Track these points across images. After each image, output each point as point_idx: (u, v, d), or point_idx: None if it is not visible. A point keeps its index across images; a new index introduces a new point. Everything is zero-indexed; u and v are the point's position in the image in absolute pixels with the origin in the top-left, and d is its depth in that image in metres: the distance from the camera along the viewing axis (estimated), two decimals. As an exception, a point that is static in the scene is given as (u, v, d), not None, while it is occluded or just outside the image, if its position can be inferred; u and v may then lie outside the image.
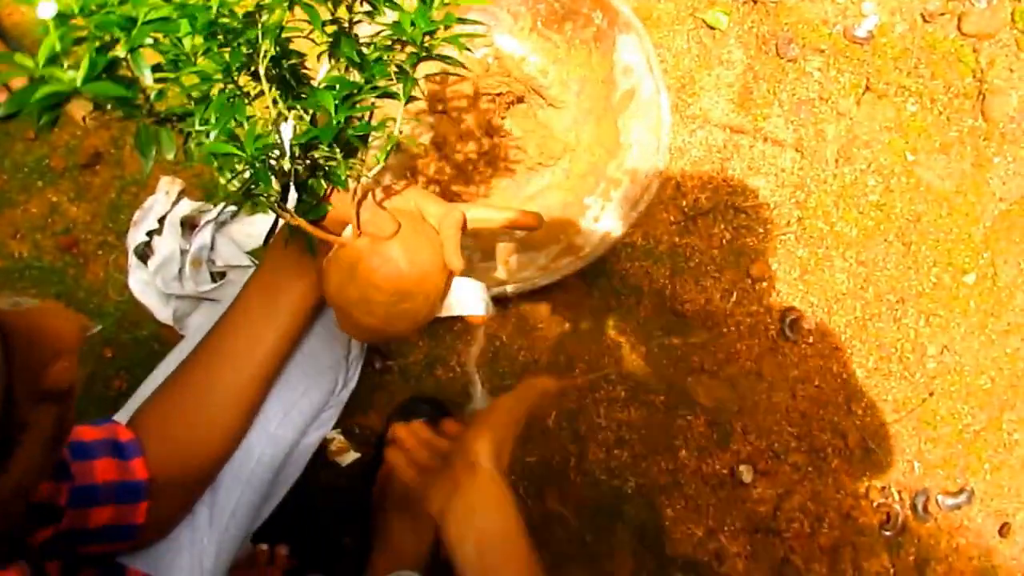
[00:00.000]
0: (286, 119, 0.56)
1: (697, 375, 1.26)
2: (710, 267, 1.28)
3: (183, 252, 1.23)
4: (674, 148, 1.31)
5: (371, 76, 0.56)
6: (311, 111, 0.57)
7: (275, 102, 0.55)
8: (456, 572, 0.67)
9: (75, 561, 0.61)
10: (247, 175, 0.54)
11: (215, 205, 1.26)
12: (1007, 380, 1.23)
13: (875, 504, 1.22)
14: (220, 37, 0.49)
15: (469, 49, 0.58)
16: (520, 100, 1.27)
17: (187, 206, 1.26)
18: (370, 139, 0.60)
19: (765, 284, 1.27)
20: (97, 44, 0.44)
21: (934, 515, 1.22)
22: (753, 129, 1.30)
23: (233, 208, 1.25)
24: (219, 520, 0.75)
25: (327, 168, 0.59)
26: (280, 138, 0.55)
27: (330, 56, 0.58)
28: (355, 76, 0.57)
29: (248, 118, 0.53)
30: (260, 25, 0.50)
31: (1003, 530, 1.21)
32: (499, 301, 1.22)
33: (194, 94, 0.52)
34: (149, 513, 0.65)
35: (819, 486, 1.23)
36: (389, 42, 0.57)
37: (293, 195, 0.61)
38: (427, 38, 0.55)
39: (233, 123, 0.52)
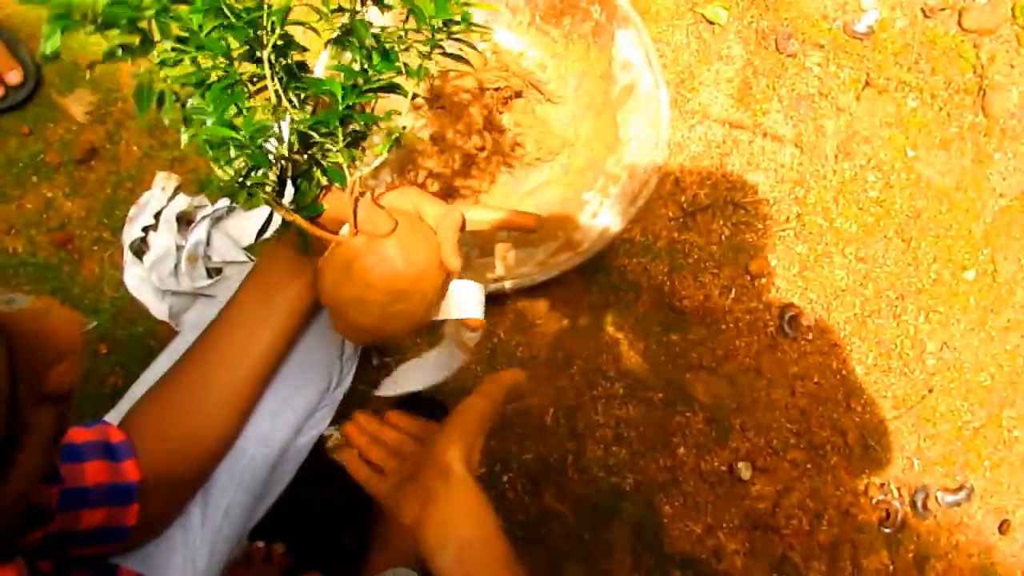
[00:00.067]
0: (286, 111, 0.55)
1: (696, 372, 1.26)
2: (709, 263, 1.27)
3: (179, 248, 1.22)
4: (673, 143, 1.30)
5: (378, 67, 0.56)
6: (312, 104, 0.56)
7: (277, 95, 0.55)
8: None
9: (67, 561, 0.60)
10: (242, 163, 0.53)
11: (207, 196, 1.26)
12: (1007, 377, 1.23)
13: (874, 501, 1.22)
14: (226, 17, 0.48)
15: (472, 46, 0.58)
16: (518, 95, 1.26)
17: (183, 201, 1.25)
18: (371, 133, 0.60)
19: (764, 280, 1.26)
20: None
21: (933, 512, 1.21)
22: (752, 124, 1.29)
23: (229, 203, 1.24)
24: (212, 520, 0.74)
25: (325, 163, 0.58)
26: (279, 127, 0.54)
27: (336, 43, 0.57)
28: (357, 66, 0.57)
29: (250, 108, 0.52)
30: (267, 8, 0.50)
31: (1003, 527, 1.21)
32: (497, 297, 1.21)
33: (191, 80, 0.51)
34: (141, 515, 0.64)
35: (818, 483, 1.22)
36: (401, 33, 0.56)
37: (290, 192, 0.61)
38: (439, 33, 0.55)
39: (232, 111, 0.52)
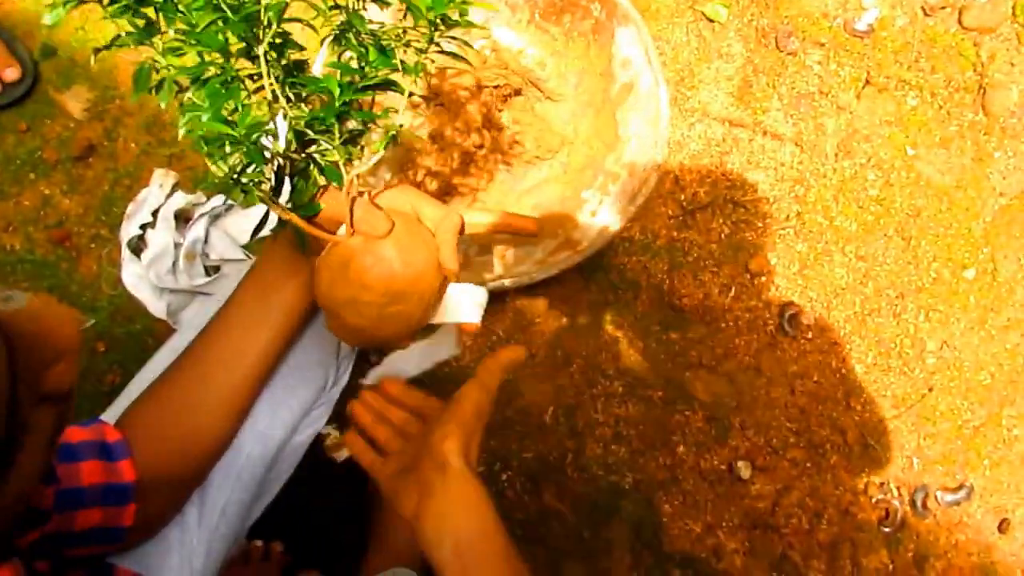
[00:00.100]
0: (282, 108, 0.55)
1: (695, 370, 1.25)
2: (708, 262, 1.27)
3: (177, 245, 1.22)
4: (673, 142, 1.30)
5: (375, 64, 0.55)
6: (309, 101, 0.56)
7: (273, 92, 0.54)
8: (437, 572, 0.65)
9: (63, 561, 0.60)
10: (237, 160, 0.53)
11: (202, 191, 1.25)
12: (1007, 376, 1.23)
13: (874, 500, 1.22)
14: (223, 12, 0.48)
15: (468, 44, 0.57)
16: (518, 93, 1.26)
17: (181, 199, 1.25)
18: (368, 131, 0.59)
19: (764, 279, 1.26)
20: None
21: (933, 511, 1.21)
22: (752, 123, 1.29)
23: (226, 200, 1.23)
24: (209, 519, 0.74)
25: (322, 161, 0.58)
26: (275, 124, 0.54)
27: (335, 41, 0.57)
28: (355, 63, 0.56)
29: (244, 105, 0.52)
30: (263, 4, 0.49)
31: (1002, 526, 1.21)
32: (496, 295, 1.21)
33: (183, 79, 0.51)
34: (137, 515, 0.64)
35: (818, 482, 1.22)
36: (399, 31, 0.56)
37: (287, 191, 0.60)
38: (436, 31, 0.54)
39: (230, 106, 0.51)
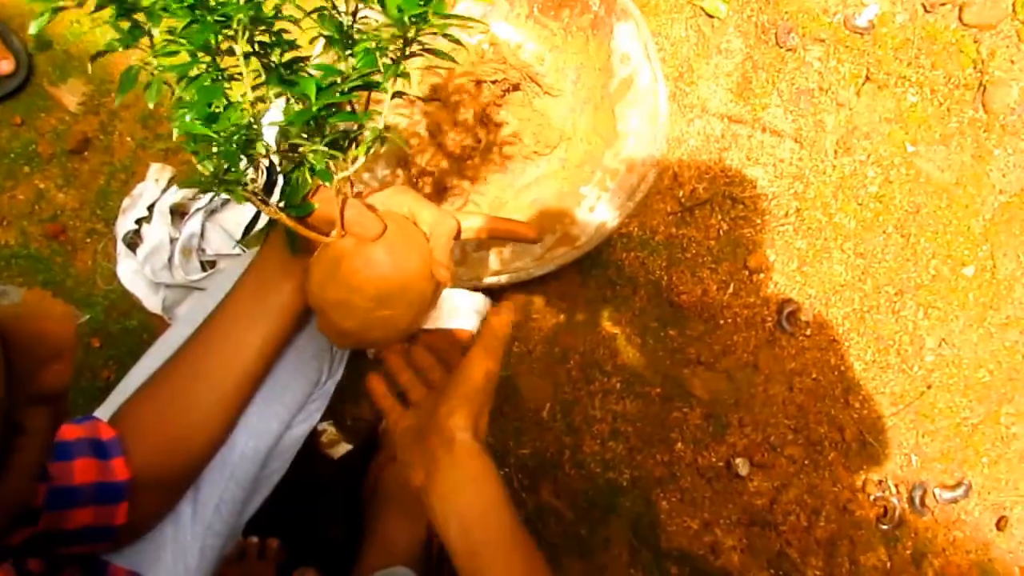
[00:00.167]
0: (267, 105, 0.54)
1: (693, 367, 1.25)
2: (707, 258, 1.26)
3: (172, 240, 1.21)
4: (672, 138, 1.29)
5: (359, 64, 0.55)
6: (297, 100, 0.55)
7: (259, 92, 0.54)
8: (447, 549, 0.65)
9: (56, 560, 0.59)
10: (221, 160, 0.53)
11: (180, 188, 1.24)
12: (1005, 373, 1.22)
13: (872, 497, 1.21)
14: (198, 12, 0.48)
15: (458, 42, 0.56)
16: (516, 88, 1.25)
17: (177, 194, 1.24)
18: (358, 132, 0.58)
19: (762, 276, 1.26)
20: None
21: (931, 509, 1.21)
22: (752, 119, 1.28)
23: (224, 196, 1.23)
24: (202, 515, 0.73)
25: (311, 162, 0.57)
26: (256, 123, 0.53)
27: (326, 43, 0.57)
28: (344, 65, 0.56)
29: (230, 104, 0.52)
30: (237, 3, 0.49)
31: (1000, 524, 1.20)
32: (493, 292, 1.20)
33: (170, 77, 0.51)
34: (129, 513, 0.63)
35: (816, 479, 1.22)
36: (383, 33, 0.55)
37: (279, 190, 0.60)
38: (415, 28, 0.53)
39: (218, 104, 0.51)
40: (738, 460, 1.22)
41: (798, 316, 1.24)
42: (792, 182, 1.27)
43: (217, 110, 0.51)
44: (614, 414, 1.24)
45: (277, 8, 0.52)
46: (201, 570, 0.72)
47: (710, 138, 1.29)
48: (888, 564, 1.20)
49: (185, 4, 0.47)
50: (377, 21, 0.55)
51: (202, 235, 1.22)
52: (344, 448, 1.23)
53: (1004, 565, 1.20)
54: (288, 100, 0.55)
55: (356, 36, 0.55)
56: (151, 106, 0.50)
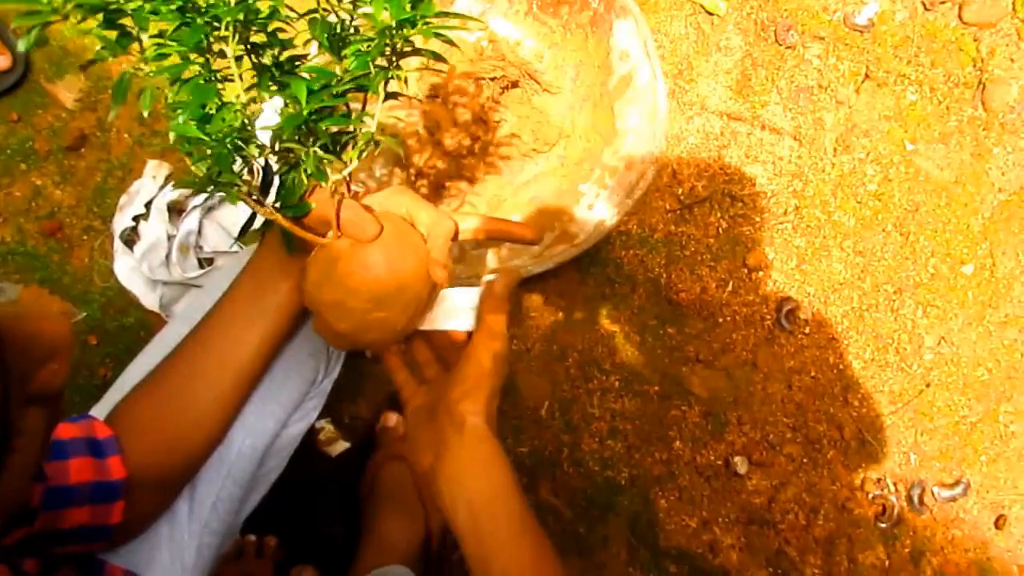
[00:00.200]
0: (260, 107, 0.54)
1: (692, 365, 1.25)
2: (706, 256, 1.26)
3: (170, 237, 1.21)
4: (671, 135, 1.29)
5: (349, 67, 0.54)
6: (289, 103, 0.55)
7: (253, 91, 0.53)
8: (454, 533, 0.64)
9: (52, 559, 0.59)
10: (214, 159, 0.52)
11: (175, 188, 1.24)
12: (1004, 372, 1.22)
13: (871, 496, 1.21)
14: (187, 15, 0.47)
15: (450, 42, 0.56)
16: (515, 85, 1.25)
17: (174, 191, 1.23)
18: (352, 134, 0.58)
19: (761, 274, 1.26)
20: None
21: (930, 507, 1.21)
22: (751, 117, 1.28)
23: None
24: (199, 514, 0.73)
25: (306, 163, 0.57)
26: (250, 125, 0.53)
27: (319, 46, 0.56)
28: (338, 68, 0.55)
29: (224, 105, 0.51)
30: (225, 6, 0.48)
31: (999, 522, 1.20)
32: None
33: (164, 77, 0.50)
34: (126, 512, 0.63)
35: (814, 478, 1.22)
36: (371, 35, 0.55)
37: (275, 189, 0.59)
38: (404, 29, 0.53)
39: (213, 104, 0.50)
40: (737, 458, 1.21)
41: (797, 314, 1.24)
42: (791, 180, 1.27)
43: (210, 111, 0.50)
44: (613, 412, 1.24)
45: (273, 8, 0.51)
46: (198, 569, 0.72)
47: (709, 136, 1.28)
48: (887, 562, 1.20)
49: (174, 7, 0.46)
50: (369, 23, 0.54)
51: (200, 232, 1.22)
52: (342, 446, 1.22)
53: (1002, 564, 1.20)
54: (285, 104, 0.55)
55: (348, 38, 0.55)
56: (145, 114, 0.50)
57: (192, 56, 0.49)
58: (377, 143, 0.59)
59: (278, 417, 0.78)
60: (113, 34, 0.47)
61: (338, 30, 0.55)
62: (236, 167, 0.53)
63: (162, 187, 1.24)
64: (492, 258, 1.20)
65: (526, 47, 1.25)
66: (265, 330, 0.69)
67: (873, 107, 1.27)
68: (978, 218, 1.24)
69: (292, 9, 0.53)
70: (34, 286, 1.24)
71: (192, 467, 0.71)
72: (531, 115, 1.24)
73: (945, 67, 1.26)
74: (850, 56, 1.27)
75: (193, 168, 0.52)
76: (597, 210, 1.17)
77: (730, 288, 1.25)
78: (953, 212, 1.25)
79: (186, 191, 1.23)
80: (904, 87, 1.27)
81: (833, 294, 1.25)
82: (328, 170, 0.57)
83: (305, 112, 0.52)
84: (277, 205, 0.59)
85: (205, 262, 1.22)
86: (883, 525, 1.20)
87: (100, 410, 0.71)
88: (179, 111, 0.50)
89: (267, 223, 0.60)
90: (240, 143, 0.52)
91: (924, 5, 1.27)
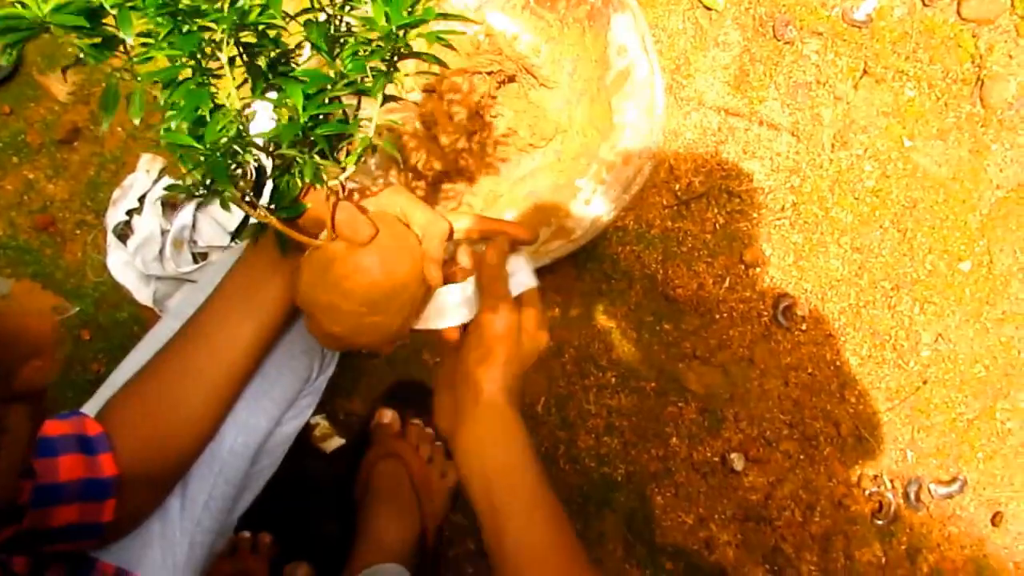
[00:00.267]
0: (255, 113, 0.53)
1: (688, 361, 1.24)
2: (703, 252, 1.26)
3: (164, 232, 1.20)
4: (668, 131, 1.28)
5: (345, 71, 0.53)
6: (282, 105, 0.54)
7: (253, 89, 0.52)
8: (470, 501, 0.65)
9: (42, 557, 0.58)
10: (208, 167, 0.51)
11: (168, 190, 1.23)
12: (1001, 369, 1.22)
13: (867, 493, 1.21)
14: (180, 19, 0.46)
15: (450, 45, 0.55)
16: (511, 79, 1.24)
17: (166, 185, 1.23)
18: (349, 138, 0.57)
19: (758, 270, 1.25)
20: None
21: (926, 504, 1.21)
22: (749, 112, 1.28)
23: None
24: (191, 511, 0.72)
25: (301, 164, 0.56)
26: (245, 128, 0.52)
27: (312, 48, 0.55)
28: (332, 71, 0.54)
29: (218, 107, 0.50)
30: (223, 9, 0.47)
31: (995, 519, 1.20)
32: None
33: (163, 77, 0.49)
34: (117, 510, 0.62)
35: (811, 474, 1.21)
36: (369, 36, 0.54)
37: (269, 190, 0.58)
38: (402, 32, 0.52)
39: (207, 108, 0.49)
40: (733, 455, 1.21)
41: (794, 311, 1.24)
42: (789, 176, 1.26)
43: (203, 114, 0.49)
44: (609, 409, 1.24)
45: (264, 6, 0.50)
46: (190, 566, 0.71)
47: (707, 131, 1.28)
48: (883, 559, 1.20)
49: (166, 11, 0.45)
50: (364, 24, 0.53)
51: (194, 227, 1.21)
52: (337, 442, 1.22)
53: (999, 560, 1.20)
54: (276, 107, 0.54)
55: (343, 39, 0.54)
56: (136, 122, 0.48)
57: (182, 59, 0.48)
58: (375, 148, 0.58)
59: (271, 414, 0.77)
60: (96, 40, 0.45)
61: (331, 31, 0.54)
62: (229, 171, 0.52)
63: (156, 181, 1.23)
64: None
65: (523, 41, 1.24)
66: (256, 326, 0.68)
67: (871, 103, 1.27)
68: (976, 215, 1.24)
69: (285, 13, 0.52)
70: (26, 280, 1.23)
71: (184, 464, 0.71)
72: (528, 110, 1.24)
73: (943, 63, 1.26)
74: (848, 52, 1.27)
75: (186, 173, 0.51)
76: (594, 205, 1.16)
77: (727, 284, 1.25)
78: (951, 209, 1.25)
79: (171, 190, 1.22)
80: (902, 83, 1.26)
81: (830, 290, 1.25)
82: (324, 176, 0.56)
83: (302, 119, 0.51)
84: (271, 207, 0.58)
85: (199, 257, 1.21)
86: (880, 522, 1.20)
87: (92, 406, 0.70)
88: (171, 117, 0.48)
89: (261, 225, 0.59)
90: (236, 149, 0.51)
91: (922, 1, 1.27)
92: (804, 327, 1.24)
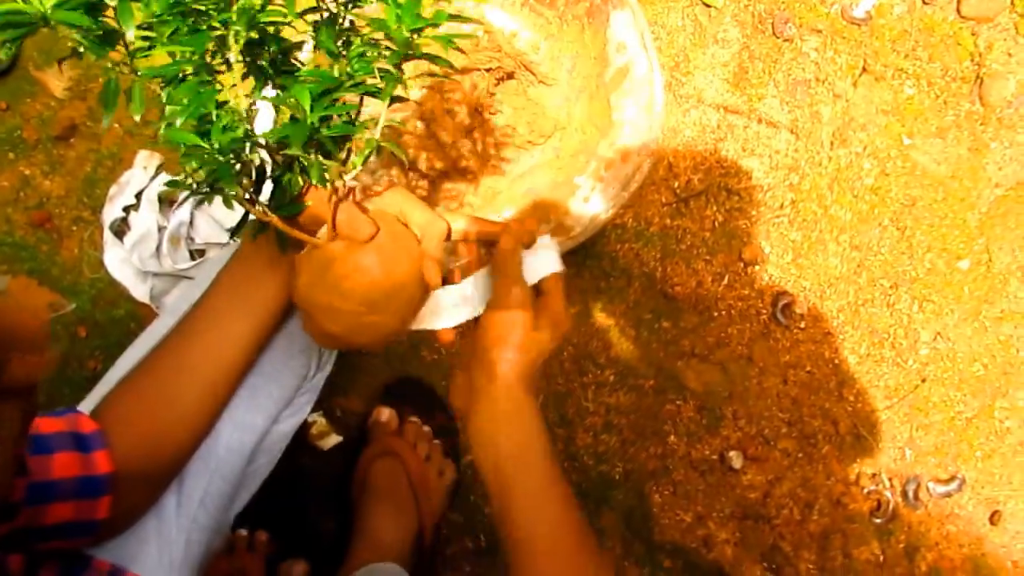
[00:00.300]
0: (258, 111, 0.52)
1: (687, 359, 1.24)
2: (702, 250, 1.25)
3: (161, 229, 1.19)
4: (667, 128, 1.28)
5: (352, 71, 0.53)
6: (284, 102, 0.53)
7: (254, 89, 0.52)
8: (484, 480, 0.65)
9: (37, 555, 0.58)
10: (212, 167, 0.50)
11: (170, 188, 1.23)
12: (1000, 367, 1.22)
13: (865, 491, 1.21)
14: (190, 19, 0.45)
15: (460, 49, 0.54)
16: (510, 76, 1.24)
17: (165, 181, 1.22)
18: (353, 135, 0.57)
19: (757, 268, 1.25)
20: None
21: (925, 502, 1.21)
22: (748, 110, 1.27)
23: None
24: (187, 509, 0.72)
25: (304, 164, 0.55)
26: (251, 128, 0.51)
27: (315, 46, 0.54)
28: (337, 70, 0.53)
29: (221, 104, 0.49)
30: (234, 8, 0.47)
31: (993, 518, 1.20)
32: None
33: (165, 73, 0.48)
34: (112, 507, 0.62)
35: (809, 472, 1.21)
36: (376, 36, 0.53)
37: (269, 185, 0.58)
38: (414, 36, 0.51)
39: (211, 106, 0.49)
40: (732, 453, 1.21)
41: (793, 309, 1.24)
42: (788, 173, 1.26)
43: (208, 113, 0.48)
44: (607, 406, 1.23)
45: (265, 2, 0.49)
46: (187, 564, 0.71)
47: (706, 128, 1.28)
48: (881, 558, 1.20)
49: (177, 10, 0.45)
50: (372, 24, 0.53)
51: (191, 223, 1.21)
52: (334, 440, 1.21)
53: (997, 559, 1.20)
54: (277, 108, 0.53)
55: (349, 38, 0.53)
56: (137, 119, 0.48)
57: (185, 53, 0.47)
58: (380, 148, 0.57)
59: (268, 412, 0.77)
60: (97, 32, 0.45)
61: (336, 29, 0.53)
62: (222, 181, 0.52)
63: (153, 177, 1.22)
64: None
65: (522, 38, 1.24)
66: (251, 323, 0.68)
67: (870, 101, 1.26)
68: (975, 213, 1.24)
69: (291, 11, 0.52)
70: (22, 277, 1.23)
71: (179, 461, 0.70)
72: (526, 107, 1.23)
73: (943, 61, 1.26)
74: (848, 49, 1.27)
75: (188, 172, 0.50)
76: (592, 203, 1.16)
77: (726, 282, 1.25)
78: (950, 207, 1.24)
79: (170, 187, 1.22)
80: (901, 81, 1.26)
81: (829, 288, 1.24)
82: (328, 177, 0.56)
83: (309, 121, 0.50)
84: (271, 204, 0.57)
85: (196, 254, 1.21)
86: (878, 520, 1.20)
87: (89, 403, 0.70)
88: (173, 114, 0.48)
89: (261, 223, 0.58)
90: (241, 149, 0.51)
91: (922, -2, 1.26)
92: (803, 325, 1.24)
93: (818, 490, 1.21)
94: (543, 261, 0.69)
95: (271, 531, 1.14)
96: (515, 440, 0.64)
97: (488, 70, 1.21)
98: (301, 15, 0.52)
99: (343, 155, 0.57)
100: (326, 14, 0.53)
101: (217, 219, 1.22)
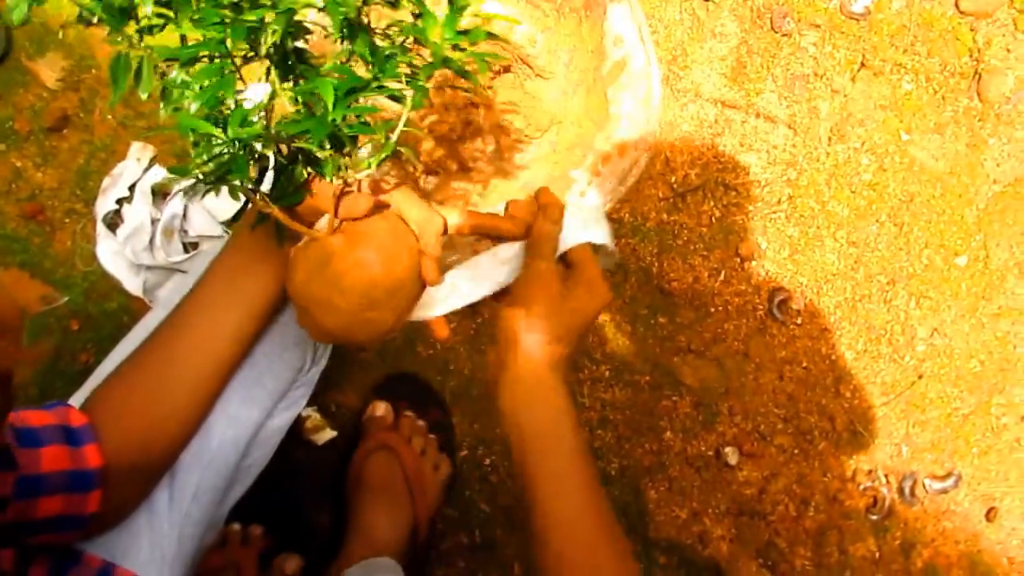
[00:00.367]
0: (274, 98, 0.51)
1: (683, 355, 1.24)
2: (698, 245, 1.25)
3: (154, 221, 1.19)
4: (664, 122, 1.27)
5: (379, 74, 0.52)
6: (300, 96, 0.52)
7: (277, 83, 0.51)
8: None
9: (27, 549, 0.57)
10: (224, 158, 0.49)
11: (169, 173, 1.21)
12: (997, 364, 1.22)
13: (862, 487, 1.21)
14: (225, 12, 0.44)
15: (488, 63, 0.54)
16: (507, 70, 1.23)
17: (159, 174, 1.21)
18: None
19: (754, 263, 1.24)
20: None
21: (921, 499, 1.21)
22: (745, 104, 1.27)
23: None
24: (179, 504, 0.71)
25: (313, 157, 0.55)
26: (271, 128, 0.50)
27: (342, 41, 0.53)
28: (363, 70, 0.52)
29: (239, 92, 0.48)
30: (274, 5, 0.46)
31: (990, 514, 1.20)
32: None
33: (179, 56, 0.47)
34: (102, 502, 0.61)
35: (805, 469, 1.21)
36: (407, 40, 0.52)
37: (269, 175, 0.57)
38: (451, 49, 0.51)
39: (229, 92, 0.47)
40: (727, 449, 1.21)
41: (789, 304, 1.23)
42: (785, 169, 1.26)
43: (226, 100, 0.47)
44: (603, 402, 1.23)
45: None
46: (179, 559, 0.70)
47: (703, 123, 1.27)
48: (877, 554, 1.19)
49: (226, 3, 0.44)
50: (404, 32, 0.52)
51: (184, 216, 1.20)
52: (329, 434, 1.21)
53: (993, 556, 1.20)
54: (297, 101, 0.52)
55: (387, 45, 0.52)
56: (144, 96, 0.46)
57: (205, 35, 0.46)
58: (396, 152, 0.56)
59: (263, 405, 0.76)
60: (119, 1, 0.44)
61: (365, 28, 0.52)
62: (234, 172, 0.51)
63: (146, 169, 1.21)
64: (483, 244, 1.18)
65: (518, 31, 1.23)
66: (242, 315, 0.67)
67: (869, 96, 1.26)
68: (972, 209, 1.24)
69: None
70: (14, 269, 1.22)
71: (170, 454, 0.70)
72: (523, 100, 1.23)
73: (941, 56, 1.25)
74: (846, 44, 1.26)
75: (197, 163, 0.49)
76: (589, 197, 1.15)
77: (722, 277, 1.24)
78: (947, 203, 1.24)
79: (172, 175, 1.21)
80: (900, 76, 1.26)
81: (826, 284, 1.24)
82: (343, 174, 0.55)
83: (330, 117, 0.49)
84: (272, 195, 0.57)
85: (190, 246, 1.20)
86: (874, 517, 1.20)
87: (80, 397, 0.69)
88: (187, 97, 0.47)
89: (260, 215, 0.57)
90: (256, 144, 0.50)
91: (921, -7, 1.26)
92: (799, 321, 1.23)
93: (814, 486, 1.20)
94: (571, 230, 0.69)
95: (265, 525, 1.13)
96: (539, 421, 0.63)
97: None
98: (322, 8, 0.51)
99: (357, 152, 0.56)
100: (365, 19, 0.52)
101: (211, 211, 1.21)
